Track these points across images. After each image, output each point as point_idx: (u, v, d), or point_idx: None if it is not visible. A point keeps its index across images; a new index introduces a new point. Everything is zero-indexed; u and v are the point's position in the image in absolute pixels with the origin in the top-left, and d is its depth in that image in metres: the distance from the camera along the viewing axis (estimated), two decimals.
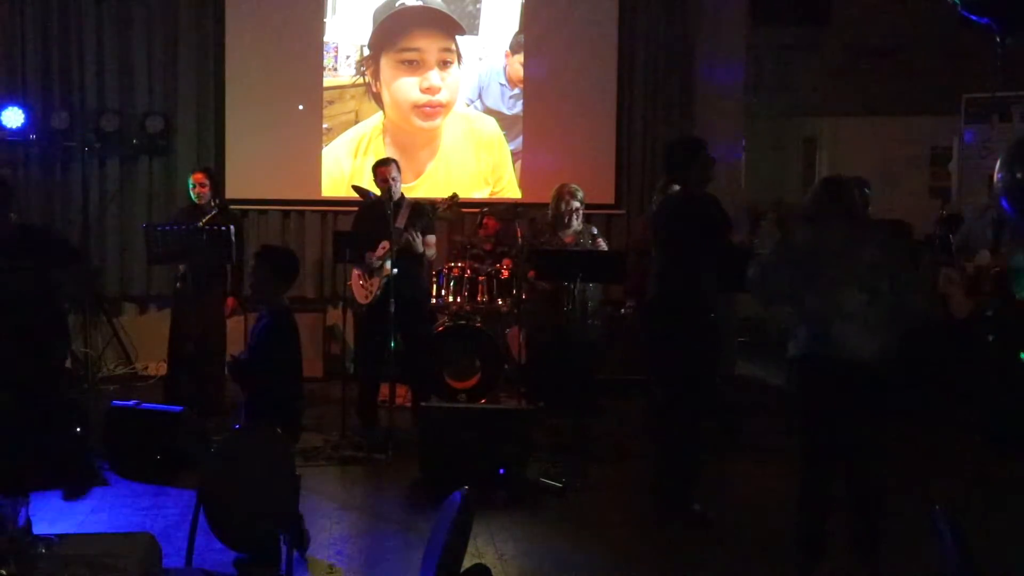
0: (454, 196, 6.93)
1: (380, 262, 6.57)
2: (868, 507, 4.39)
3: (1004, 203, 4.06)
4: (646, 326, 5.53)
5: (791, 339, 4.44)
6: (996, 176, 4.05)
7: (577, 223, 7.08)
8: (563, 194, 7.05)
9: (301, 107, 8.68)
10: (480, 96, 8.84)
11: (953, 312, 6.91)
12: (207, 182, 7.05)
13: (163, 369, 7.55)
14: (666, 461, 5.27)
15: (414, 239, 6.62)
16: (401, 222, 6.61)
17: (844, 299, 4.24)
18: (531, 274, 6.94)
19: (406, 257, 6.56)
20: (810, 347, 4.33)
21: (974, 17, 4.24)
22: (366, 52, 8.75)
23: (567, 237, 7.04)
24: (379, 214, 6.52)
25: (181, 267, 6.98)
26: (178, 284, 7.06)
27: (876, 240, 4.33)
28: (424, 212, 6.90)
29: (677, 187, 5.55)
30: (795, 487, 4.48)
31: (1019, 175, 3.94)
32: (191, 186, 7.08)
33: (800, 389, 4.44)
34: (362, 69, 8.75)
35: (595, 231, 7.24)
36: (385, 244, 6.48)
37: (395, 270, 6.46)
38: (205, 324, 6.91)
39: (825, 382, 4.32)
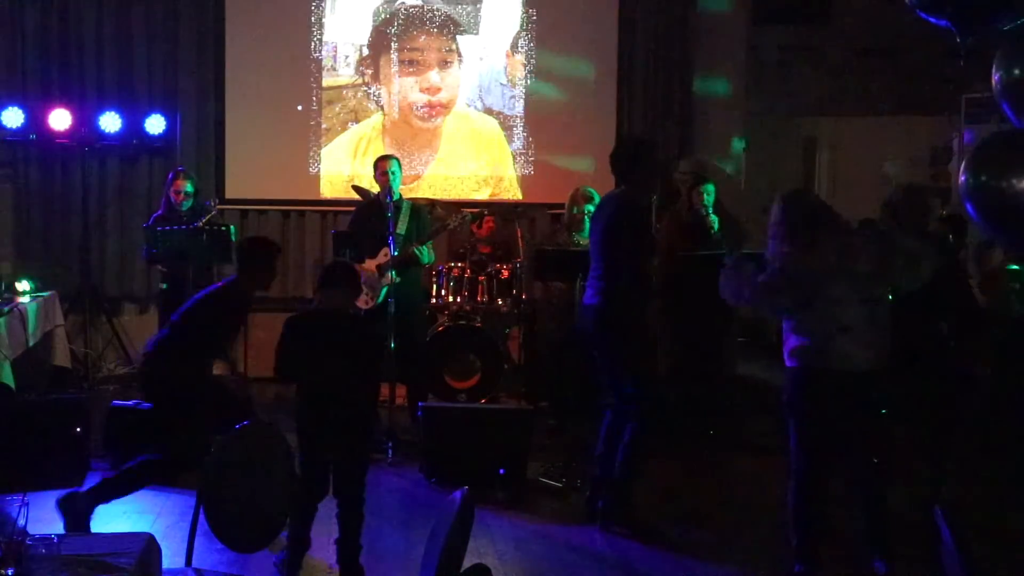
0: (464, 215, 7.05)
1: (380, 275, 6.54)
2: (871, 506, 4.45)
3: (968, 207, 4.07)
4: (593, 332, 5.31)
5: (785, 348, 4.46)
6: (960, 179, 4.07)
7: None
8: (576, 198, 7.02)
9: (300, 107, 8.68)
10: (480, 96, 8.84)
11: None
12: (190, 188, 7.01)
13: None
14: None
15: (421, 254, 6.63)
16: (402, 227, 6.61)
17: (844, 313, 4.27)
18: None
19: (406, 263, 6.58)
20: (809, 359, 4.35)
21: (931, 19, 4.25)
22: (365, 52, 8.74)
23: (583, 240, 6.98)
24: (379, 215, 6.51)
25: (163, 268, 6.95)
26: (163, 285, 7.02)
27: (867, 249, 4.36)
28: (424, 216, 6.90)
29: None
30: (788, 493, 4.50)
31: (983, 178, 3.96)
32: (173, 192, 7.00)
33: (800, 399, 4.43)
34: (361, 69, 8.75)
35: None
36: (386, 251, 6.46)
37: (397, 279, 6.45)
38: None
39: (825, 393, 4.34)
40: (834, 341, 4.27)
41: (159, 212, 7.08)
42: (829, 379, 4.31)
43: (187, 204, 6.93)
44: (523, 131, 8.83)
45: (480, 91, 8.82)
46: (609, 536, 5.08)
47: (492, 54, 8.82)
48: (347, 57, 8.74)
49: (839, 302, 4.28)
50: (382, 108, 8.75)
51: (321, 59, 8.68)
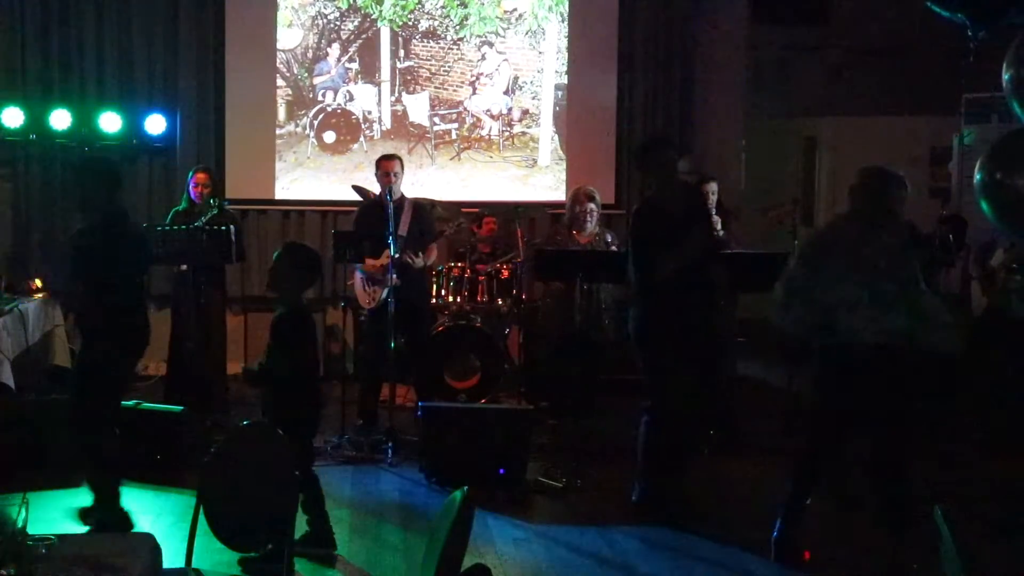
0: (460, 223, 7.13)
1: (383, 275, 6.55)
2: (888, 482, 4.60)
3: (983, 204, 4.10)
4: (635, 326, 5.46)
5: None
6: (975, 177, 4.10)
7: (592, 225, 6.96)
8: (579, 196, 7.02)
9: (300, 108, 8.67)
10: (480, 98, 8.82)
11: (973, 309, 7.02)
12: (209, 183, 7.06)
13: (163, 369, 7.55)
14: (659, 456, 5.35)
15: (413, 260, 6.62)
16: (404, 228, 6.61)
17: (847, 291, 4.41)
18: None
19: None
20: (822, 338, 4.52)
21: (945, 13, 4.29)
22: (364, 53, 8.73)
23: (583, 239, 6.98)
24: (381, 215, 6.49)
25: (178, 268, 6.99)
26: (176, 284, 7.07)
27: (886, 243, 4.44)
28: (426, 216, 6.89)
29: None
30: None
31: (998, 176, 3.98)
32: (192, 185, 7.07)
33: (818, 377, 4.67)
34: (360, 71, 8.74)
35: (610, 238, 7.07)
36: (387, 254, 6.45)
37: (399, 280, 6.45)
38: (206, 324, 6.91)
39: (840, 369, 4.52)
40: (841, 317, 4.41)
41: (178, 207, 7.15)
42: (838, 353, 4.47)
43: (207, 198, 7.02)
44: (522, 132, 8.83)
45: (480, 93, 8.82)
46: (609, 536, 5.08)
47: (491, 56, 8.82)
48: (346, 58, 8.73)
49: (843, 279, 4.42)
50: (379, 111, 8.74)
51: (321, 60, 8.68)
